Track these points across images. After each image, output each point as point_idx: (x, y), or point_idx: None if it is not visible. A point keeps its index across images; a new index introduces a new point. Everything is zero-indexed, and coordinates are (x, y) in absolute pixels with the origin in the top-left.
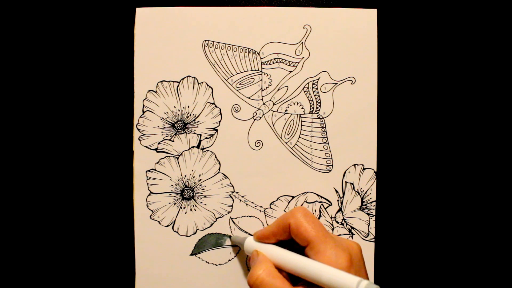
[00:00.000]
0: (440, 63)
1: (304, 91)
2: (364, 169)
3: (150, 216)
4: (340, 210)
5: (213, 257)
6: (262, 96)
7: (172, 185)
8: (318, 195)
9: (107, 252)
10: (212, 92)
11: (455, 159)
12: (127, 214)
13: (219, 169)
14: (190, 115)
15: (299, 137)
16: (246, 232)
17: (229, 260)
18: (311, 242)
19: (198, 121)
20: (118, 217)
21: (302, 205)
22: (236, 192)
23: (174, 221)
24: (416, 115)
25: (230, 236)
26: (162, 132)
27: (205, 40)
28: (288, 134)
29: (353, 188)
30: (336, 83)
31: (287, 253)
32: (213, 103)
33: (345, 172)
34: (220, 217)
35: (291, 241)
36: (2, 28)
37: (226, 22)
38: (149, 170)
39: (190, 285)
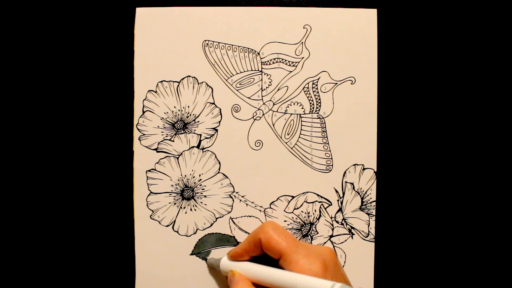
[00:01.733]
0: (440, 63)
1: (304, 91)
2: (364, 169)
3: (150, 216)
4: (340, 210)
5: (213, 257)
6: (262, 96)
7: (172, 185)
8: (318, 195)
9: (107, 252)
10: (212, 92)
11: (455, 159)
12: (127, 214)
13: (219, 169)
14: (190, 115)
15: (299, 137)
16: (246, 232)
17: None
18: (283, 254)
19: (198, 121)
20: (118, 217)
21: (302, 205)
22: (236, 192)
23: (174, 221)
24: (416, 115)
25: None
26: (162, 132)
27: (205, 40)
28: (288, 134)
29: (353, 188)
30: (336, 83)
31: (262, 268)
32: (213, 103)
33: (345, 172)
34: (220, 217)
35: (265, 255)
36: (2, 28)
37: (226, 22)
38: (149, 170)
39: (190, 285)
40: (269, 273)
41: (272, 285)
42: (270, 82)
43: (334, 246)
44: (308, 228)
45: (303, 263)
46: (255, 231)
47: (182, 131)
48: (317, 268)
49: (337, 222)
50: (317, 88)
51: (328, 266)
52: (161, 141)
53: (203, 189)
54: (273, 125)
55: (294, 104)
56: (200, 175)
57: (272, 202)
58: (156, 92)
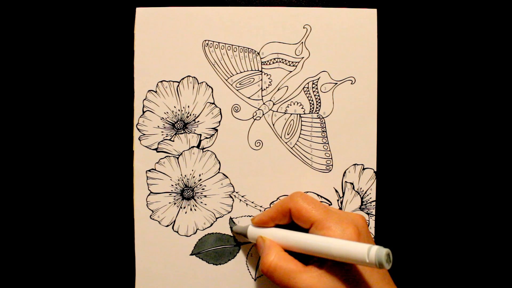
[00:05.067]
0: (440, 63)
1: (304, 91)
2: (364, 169)
3: (150, 216)
4: (340, 210)
5: (213, 257)
6: (262, 96)
7: (172, 185)
8: (318, 195)
9: (107, 252)
10: (212, 92)
11: (455, 159)
12: (127, 214)
13: (219, 169)
14: (190, 115)
15: (299, 137)
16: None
17: (229, 260)
18: (315, 222)
19: (198, 121)
20: (118, 217)
21: None
22: (236, 192)
23: (174, 221)
24: (416, 115)
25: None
26: (162, 132)
27: (205, 40)
28: (288, 134)
29: (353, 188)
30: (336, 83)
31: (293, 233)
32: (213, 103)
33: (345, 172)
34: (220, 217)
35: (291, 225)
36: (2, 28)
37: (226, 22)
38: (149, 170)
39: (190, 285)
40: (301, 238)
41: (304, 250)
42: (270, 82)
43: None
44: None
45: (336, 229)
46: (283, 201)
47: (182, 131)
48: (350, 233)
49: None
50: (317, 88)
51: (361, 232)
52: (161, 141)
53: (203, 189)
54: (273, 125)
55: (294, 104)
56: (200, 175)
57: (272, 202)
58: (156, 92)
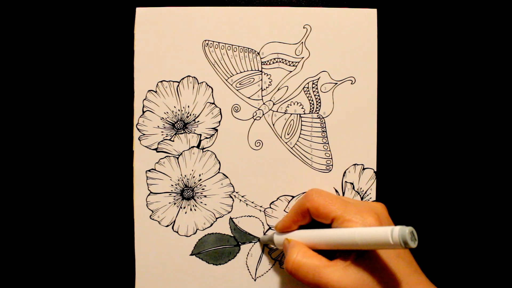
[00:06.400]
0: (440, 63)
1: (304, 91)
2: (364, 169)
3: (150, 216)
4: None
5: (213, 257)
6: (262, 96)
7: (172, 185)
8: None
9: (107, 252)
10: (212, 92)
11: (455, 158)
12: (127, 214)
13: (219, 169)
14: (190, 115)
15: (299, 137)
16: (245, 232)
17: (229, 260)
18: (335, 217)
19: (198, 121)
20: (118, 217)
21: None
22: (236, 192)
23: (174, 221)
24: (416, 115)
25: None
26: (162, 132)
27: (205, 40)
28: (288, 134)
29: (353, 188)
30: (336, 83)
31: (316, 231)
32: (213, 103)
33: (345, 172)
34: (220, 217)
35: (313, 223)
36: (2, 28)
37: (226, 22)
38: (149, 170)
39: (190, 285)
40: (324, 235)
41: (329, 245)
42: (270, 82)
43: None
44: None
45: (356, 219)
46: (300, 201)
47: (182, 131)
48: (371, 221)
49: None
50: (317, 88)
51: (381, 219)
52: (161, 141)
53: (203, 189)
54: (273, 125)
55: (294, 104)
56: (200, 175)
57: (272, 202)
58: (156, 92)
